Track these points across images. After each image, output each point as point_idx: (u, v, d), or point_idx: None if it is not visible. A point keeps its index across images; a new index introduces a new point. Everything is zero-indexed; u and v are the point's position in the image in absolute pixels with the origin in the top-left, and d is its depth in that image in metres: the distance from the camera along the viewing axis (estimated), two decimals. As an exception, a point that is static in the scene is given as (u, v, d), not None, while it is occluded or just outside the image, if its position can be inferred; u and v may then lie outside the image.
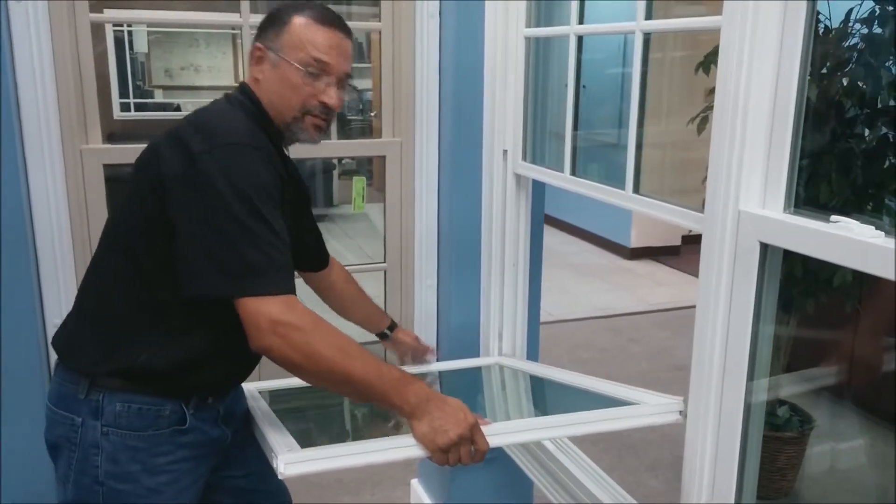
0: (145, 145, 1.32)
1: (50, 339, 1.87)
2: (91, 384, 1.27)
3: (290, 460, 1.17)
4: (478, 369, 1.96)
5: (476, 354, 2.11)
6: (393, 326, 1.81)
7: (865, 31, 2.09)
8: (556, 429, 1.36)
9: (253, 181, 1.19)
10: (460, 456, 1.20)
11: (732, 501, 1.28)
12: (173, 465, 1.31)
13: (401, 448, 1.22)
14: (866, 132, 2.11)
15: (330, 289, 1.72)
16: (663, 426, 1.47)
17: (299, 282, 1.45)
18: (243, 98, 1.36)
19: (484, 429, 1.23)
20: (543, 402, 1.73)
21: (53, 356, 1.86)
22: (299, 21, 1.34)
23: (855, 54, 2.08)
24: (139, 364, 1.26)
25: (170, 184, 1.21)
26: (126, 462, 1.27)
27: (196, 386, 1.32)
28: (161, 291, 1.26)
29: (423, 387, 1.23)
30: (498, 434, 1.26)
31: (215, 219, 1.17)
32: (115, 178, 1.90)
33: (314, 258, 1.66)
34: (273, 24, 1.36)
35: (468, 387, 1.98)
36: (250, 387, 1.55)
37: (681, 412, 1.37)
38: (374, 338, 1.82)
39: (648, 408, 1.38)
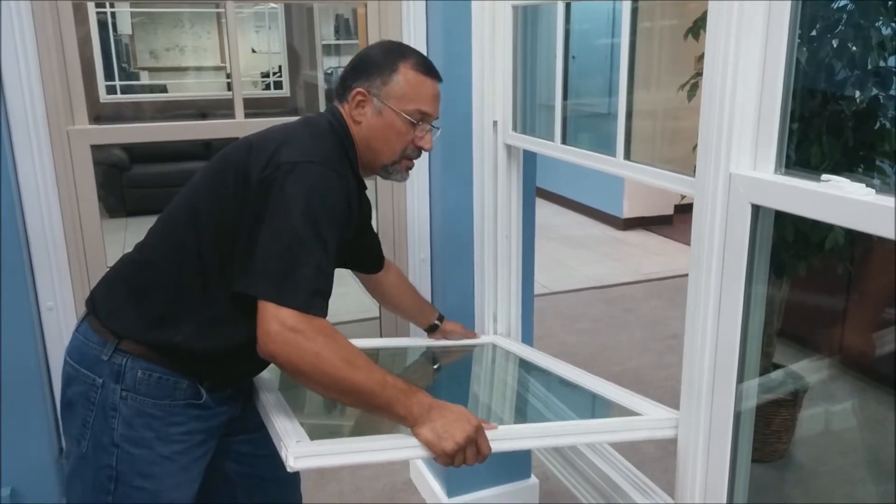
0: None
1: (43, 323, 1.88)
2: (116, 348, 1.30)
3: (300, 454, 1.18)
4: (471, 349, 1.97)
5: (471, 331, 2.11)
6: (441, 319, 1.89)
7: (855, -9, 2.08)
8: (558, 437, 1.42)
9: (326, 202, 1.23)
10: (465, 458, 1.23)
11: (727, 467, 1.29)
12: (185, 435, 1.35)
13: (410, 448, 1.24)
14: (857, 94, 2.11)
15: (384, 293, 1.82)
16: (658, 390, 1.49)
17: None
18: (336, 125, 1.41)
19: (487, 433, 1.26)
20: (534, 393, 1.77)
21: (50, 341, 1.88)
22: (407, 72, 1.39)
23: (844, 16, 2.07)
24: (173, 343, 1.30)
25: (253, 182, 1.25)
26: (140, 428, 1.31)
27: (215, 373, 1.37)
28: (213, 282, 1.29)
29: (426, 397, 1.25)
30: (501, 440, 1.29)
31: (280, 227, 1.20)
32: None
33: (372, 262, 1.76)
34: (378, 70, 1.39)
35: (461, 369, 1.99)
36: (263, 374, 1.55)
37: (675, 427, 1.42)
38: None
39: (648, 421, 1.43)
